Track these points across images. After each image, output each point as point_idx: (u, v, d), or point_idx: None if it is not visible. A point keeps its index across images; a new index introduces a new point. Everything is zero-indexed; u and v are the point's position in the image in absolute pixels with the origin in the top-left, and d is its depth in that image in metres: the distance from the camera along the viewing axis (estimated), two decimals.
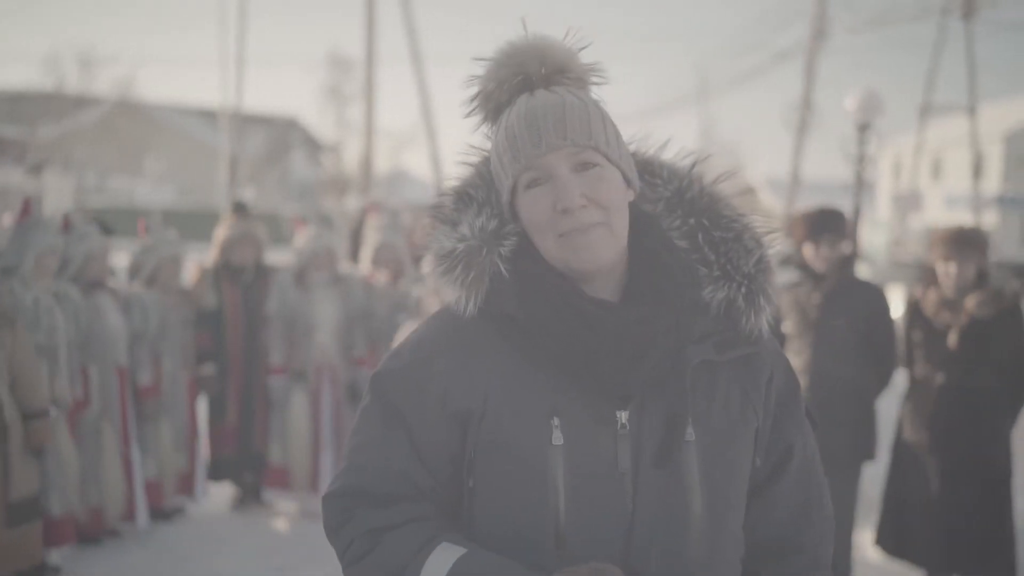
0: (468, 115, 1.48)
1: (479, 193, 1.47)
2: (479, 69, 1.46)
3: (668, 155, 1.53)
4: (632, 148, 1.50)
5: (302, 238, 6.07)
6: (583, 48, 1.46)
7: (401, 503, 1.42)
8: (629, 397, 1.38)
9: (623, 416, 1.38)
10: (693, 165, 1.52)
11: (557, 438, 1.36)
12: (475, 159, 1.52)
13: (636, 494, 1.36)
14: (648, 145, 1.53)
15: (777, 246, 1.48)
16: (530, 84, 1.43)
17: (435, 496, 1.44)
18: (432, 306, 5.51)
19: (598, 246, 1.38)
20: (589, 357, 1.36)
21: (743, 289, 1.44)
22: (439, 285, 1.46)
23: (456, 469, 1.44)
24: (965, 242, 4.29)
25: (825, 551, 1.53)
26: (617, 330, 1.36)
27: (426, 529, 1.41)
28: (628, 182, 1.44)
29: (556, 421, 1.36)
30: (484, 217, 1.44)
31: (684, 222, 1.49)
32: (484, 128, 1.48)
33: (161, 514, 5.74)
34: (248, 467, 6.14)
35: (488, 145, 1.49)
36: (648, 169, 1.51)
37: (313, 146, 45.68)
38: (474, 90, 1.46)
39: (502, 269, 1.41)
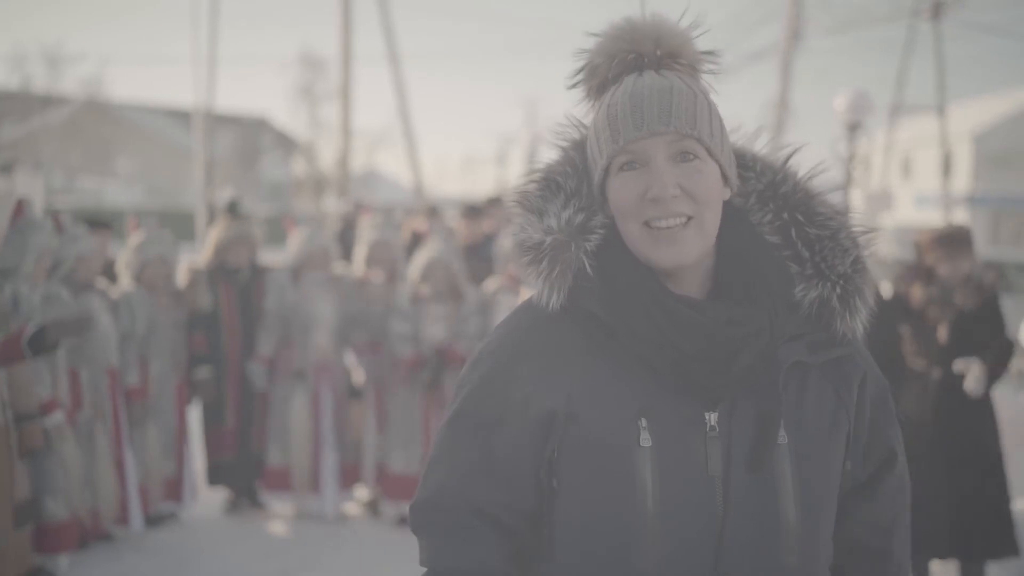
0: (571, 87, 1.42)
1: (568, 183, 1.41)
2: (589, 43, 1.40)
3: (759, 146, 1.47)
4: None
5: (295, 238, 6.01)
6: (700, 33, 1.39)
7: (475, 538, 1.40)
8: (718, 399, 1.33)
9: (712, 418, 1.32)
10: (788, 158, 1.44)
11: (645, 439, 1.31)
12: (565, 144, 1.45)
13: (727, 498, 1.31)
14: (739, 136, 1.45)
15: (873, 247, 1.42)
16: (640, 64, 1.37)
17: (511, 510, 1.41)
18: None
19: (683, 243, 1.32)
20: (678, 358, 1.31)
21: (838, 289, 1.38)
22: (523, 276, 1.40)
23: (537, 473, 1.39)
24: (964, 241, 4.46)
25: (908, 558, 1.51)
26: (708, 331, 1.31)
27: None
28: (726, 179, 1.38)
29: (644, 422, 1.31)
30: (572, 210, 1.38)
31: (777, 217, 1.42)
32: (585, 104, 1.42)
33: (148, 520, 5.61)
34: (247, 470, 6.06)
35: (577, 131, 1.44)
36: (740, 161, 1.44)
37: (285, 146, 45.30)
38: (581, 62, 1.40)
39: (587, 266, 1.36)
